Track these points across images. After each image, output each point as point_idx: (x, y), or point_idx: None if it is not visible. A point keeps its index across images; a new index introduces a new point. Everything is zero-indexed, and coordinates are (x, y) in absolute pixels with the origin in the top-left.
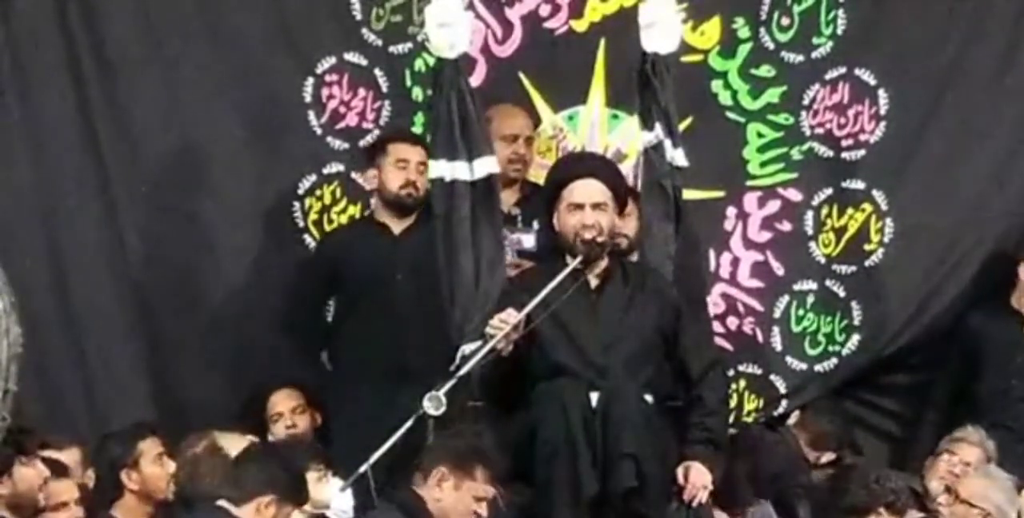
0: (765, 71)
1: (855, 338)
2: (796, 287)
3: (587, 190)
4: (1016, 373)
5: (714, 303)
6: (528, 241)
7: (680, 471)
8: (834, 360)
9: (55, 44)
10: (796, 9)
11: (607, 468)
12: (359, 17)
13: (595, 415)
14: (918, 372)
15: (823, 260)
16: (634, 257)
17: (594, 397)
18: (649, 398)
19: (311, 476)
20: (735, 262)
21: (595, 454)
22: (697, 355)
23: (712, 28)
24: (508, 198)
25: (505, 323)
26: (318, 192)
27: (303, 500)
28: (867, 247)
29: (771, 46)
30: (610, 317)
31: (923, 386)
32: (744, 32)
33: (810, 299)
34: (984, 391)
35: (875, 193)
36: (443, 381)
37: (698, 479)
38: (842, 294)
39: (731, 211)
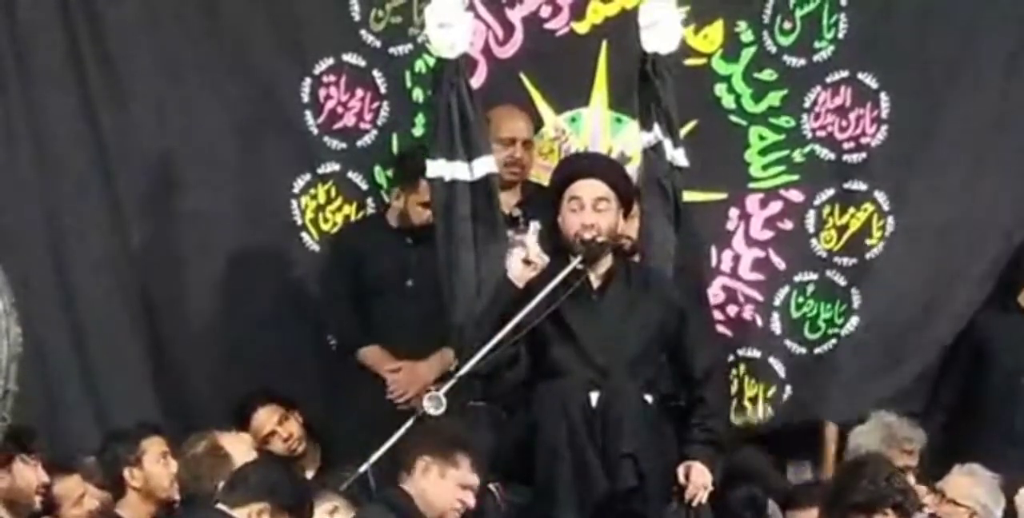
0: (767, 75)
1: (854, 320)
2: (797, 278)
3: (589, 190)
4: (1021, 370)
5: (714, 294)
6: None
7: (681, 471)
8: (833, 341)
9: (57, 45)
10: (798, 13)
11: (607, 468)
12: (358, 18)
13: (595, 415)
14: (919, 365)
15: (824, 254)
16: (635, 257)
17: (594, 397)
18: (649, 398)
19: (324, 507)
20: (736, 258)
21: (595, 454)
22: (699, 356)
23: (715, 32)
24: (509, 199)
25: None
26: (312, 191)
27: (301, 514)
28: (868, 242)
29: (773, 50)
30: (612, 317)
31: (925, 380)
32: (747, 36)
33: (810, 288)
34: (992, 390)
35: (877, 194)
36: (443, 381)
37: (699, 479)
38: (843, 283)
39: (733, 212)
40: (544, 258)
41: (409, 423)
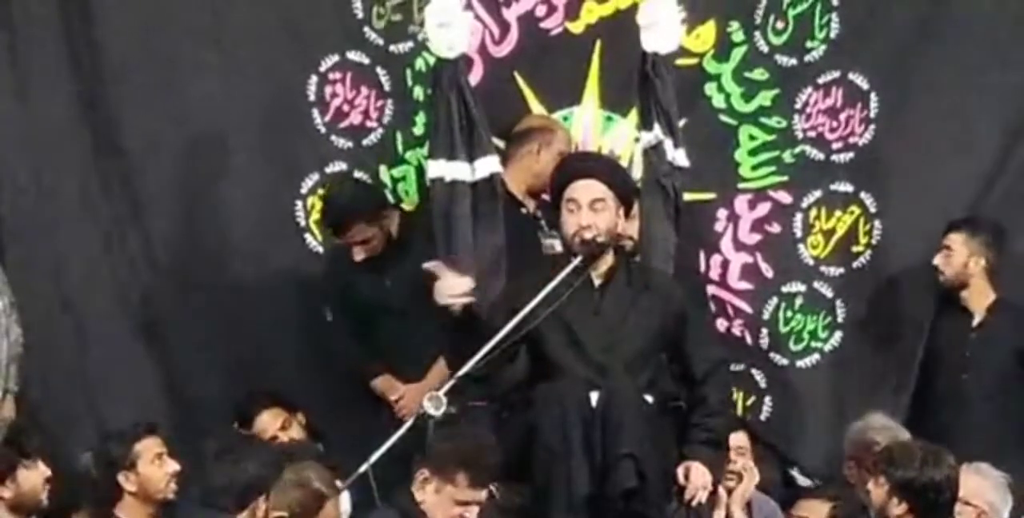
0: (759, 74)
1: (837, 335)
2: (785, 289)
3: (586, 190)
4: (964, 368)
5: None
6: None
7: (681, 471)
8: (816, 356)
9: (56, 46)
10: (791, 13)
11: (607, 468)
12: (360, 15)
13: (595, 415)
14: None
15: (812, 262)
16: (636, 257)
17: (594, 397)
18: (649, 398)
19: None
20: (725, 264)
21: (594, 454)
22: (701, 355)
23: (707, 32)
24: (531, 200)
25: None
26: (320, 191)
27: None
28: (855, 249)
29: (765, 49)
30: (612, 317)
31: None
32: (738, 35)
33: (798, 301)
34: (940, 387)
35: (863, 195)
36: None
37: (699, 479)
38: (829, 294)
39: (722, 213)
40: None
41: (409, 423)
